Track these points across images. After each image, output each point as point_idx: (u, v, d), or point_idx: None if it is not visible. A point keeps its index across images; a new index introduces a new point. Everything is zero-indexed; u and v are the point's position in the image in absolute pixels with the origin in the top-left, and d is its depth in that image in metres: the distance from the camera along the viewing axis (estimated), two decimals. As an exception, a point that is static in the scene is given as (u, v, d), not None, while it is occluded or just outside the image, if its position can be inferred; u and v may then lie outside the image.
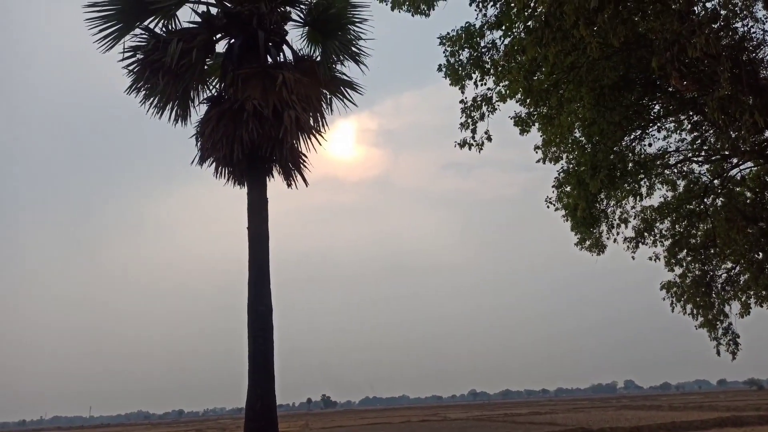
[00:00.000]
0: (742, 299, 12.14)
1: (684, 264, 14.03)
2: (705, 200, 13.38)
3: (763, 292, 11.38)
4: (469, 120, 10.36)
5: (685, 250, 14.01)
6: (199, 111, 9.31)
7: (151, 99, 8.86)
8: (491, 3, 9.64)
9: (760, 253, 10.98)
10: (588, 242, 14.69)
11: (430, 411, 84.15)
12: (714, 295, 13.76)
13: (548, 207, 13.03)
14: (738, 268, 13.86)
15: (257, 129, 8.11)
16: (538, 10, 7.66)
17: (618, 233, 13.95)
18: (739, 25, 7.85)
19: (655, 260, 13.77)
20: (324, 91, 9.65)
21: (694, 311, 13.45)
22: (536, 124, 11.15)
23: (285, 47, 9.54)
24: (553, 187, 12.52)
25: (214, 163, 8.78)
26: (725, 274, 14.15)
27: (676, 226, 14.13)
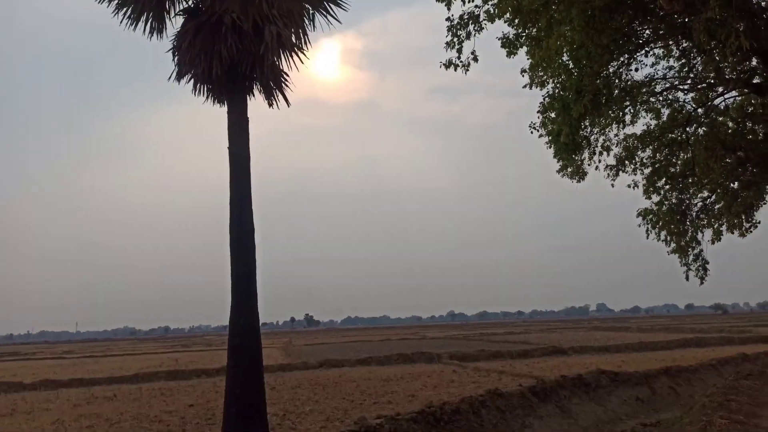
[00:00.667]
0: (715, 226, 12.51)
1: (662, 192, 14.30)
2: (687, 129, 13.44)
3: (735, 220, 11.72)
4: (455, 39, 10.08)
5: (664, 179, 14.24)
6: (175, 24, 8.90)
7: (124, 9, 8.43)
8: None
9: (736, 182, 11.20)
10: (570, 169, 14.81)
11: (409, 330, 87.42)
12: (688, 223, 14.17)
13: (532, 133, 13.00)
14: (713, 197, 14.19)
15: (236, 44, 7.81)
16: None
17: (600, 161, 14.11)
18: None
19: (633, 188, 14.00)
20: (306, 5, 9.24)
21: (668, 238, 13.86)
22: (524, 47, 10.91)
23: (265, -44, 9.01)
24: (538, 112, 12.44)
25: (192, 80, 8.52)
26: (700, 203, 14.50)
27: (657, 155, 14.27)
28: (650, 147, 14.33)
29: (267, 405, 7.91)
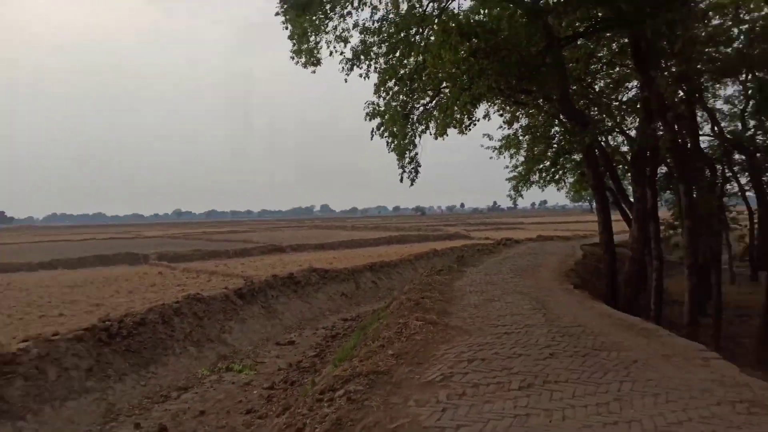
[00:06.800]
0: (439, 120, 12.75)
1: (390, 93, 14.09)
2: (421, 29, 13.24)
3: (458, 115, 11.95)
4: None
5: (394, 80, 14.01)
6: None
7: None
8: None
9: (466, 75, 11.15)
10: (304, 56, 13.61)
11: (123, 229, 79.72)
12: (409, 126, 14.33)
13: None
14: (434, 102, 14.52)
15: None
16: None
17: (335, 48, 13.26)
18: None
19: (365, 78, 13.52)
20: None
21: (391, 138, 13.90)
22: None
23: None
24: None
25: None
26: (422, 108, 14.77)
27: (391, 54, 13.91)
28: (385, 44, 13.88)
29: None
